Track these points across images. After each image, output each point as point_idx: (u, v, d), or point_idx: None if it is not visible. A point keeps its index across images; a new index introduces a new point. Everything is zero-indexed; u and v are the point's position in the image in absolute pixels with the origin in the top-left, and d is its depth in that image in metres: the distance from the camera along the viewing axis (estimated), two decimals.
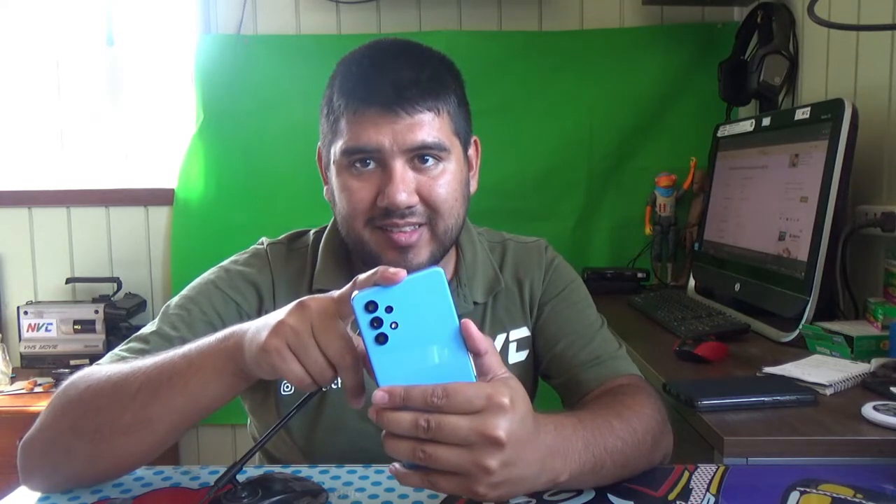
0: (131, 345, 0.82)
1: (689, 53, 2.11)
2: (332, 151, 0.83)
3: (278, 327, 0.60)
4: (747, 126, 1.64)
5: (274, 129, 2.14)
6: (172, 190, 2.16)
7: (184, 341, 0.74)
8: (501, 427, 0.53)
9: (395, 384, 0.55)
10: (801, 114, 1.40)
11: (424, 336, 0.56)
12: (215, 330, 0.70)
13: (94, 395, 0.69)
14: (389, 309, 0.55)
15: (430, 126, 0.79)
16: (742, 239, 1.59)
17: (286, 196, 2.15)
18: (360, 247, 0.84)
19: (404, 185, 0.79)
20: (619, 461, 0.68)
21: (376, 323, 0.55)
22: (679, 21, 2.14)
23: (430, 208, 0.82)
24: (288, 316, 0.60)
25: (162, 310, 0.86)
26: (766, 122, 1.56)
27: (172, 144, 2.21)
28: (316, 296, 0.62)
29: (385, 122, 0.78)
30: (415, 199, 0.80)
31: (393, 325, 0.56)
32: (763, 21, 1.87)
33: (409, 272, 0.81)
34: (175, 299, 0.86)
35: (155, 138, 2.26)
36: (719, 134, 1.79)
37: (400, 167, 0.79)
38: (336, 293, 0.62)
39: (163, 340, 0.81)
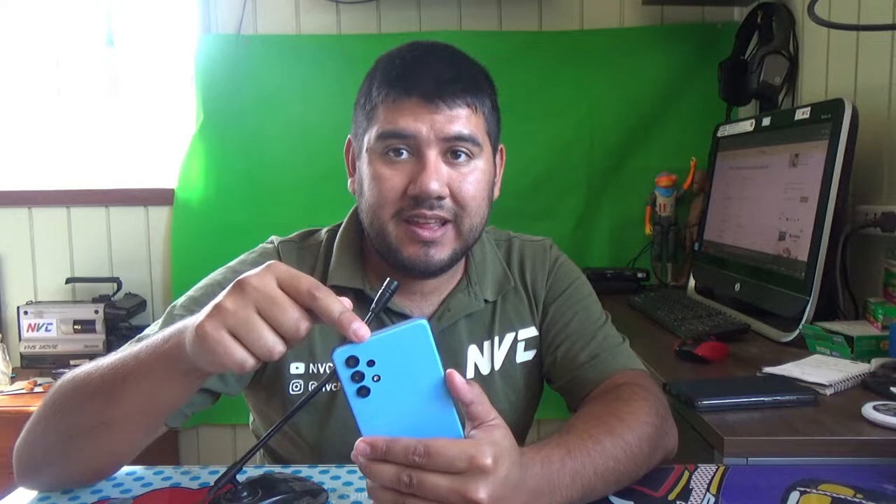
0: (131, 347, 0.82)
1: (689, 53, 2.11)
2: (367, 138, 0.83)
3: (214, 311, 0.56)
4: (747, 126, 1.64)
5: (274, 129, 2.14)
6: (172, 190, 2.16)
7: None
8: (482, 490, 0.53)
9: (379, 434, 0.55)
10: (801, 114, 1.40)
11: (408, 388, 0.55)
12: None
13: (63, 398, 0.70)
14: (371, 363, 0.54)
15: (466, 120, 0.81)
16: (742, 239, 1.59)
17: (286, 196, 2.15)
18: (382, 239, 0.83)
19: (437, 175, 0.79)
20: (613, 479, 0.69)
21: (357, 377, 0.54)
22: (679, 21, 2.14)
23: (458, 204, 0.82)
24: (226, 298, 0.56)
25: (167, 310, 0.85)
26: (766, 122, 1.56)
27: (172, 144, 2.21)
28: (251, 272, 0.57)
29: (424, 112, 0.79)
30: (446, 192, 0.80)
31: (375, 378, 0.54)
32: (763, 21, 1.87)
33: (428, 268, 0.82)
34: (181, 300, 0.85)
35: (155, 138, 2.26)
36: (719, 134, 1.79)
37: (434, 157, 0.79)
38: (273, 263, 0.58)
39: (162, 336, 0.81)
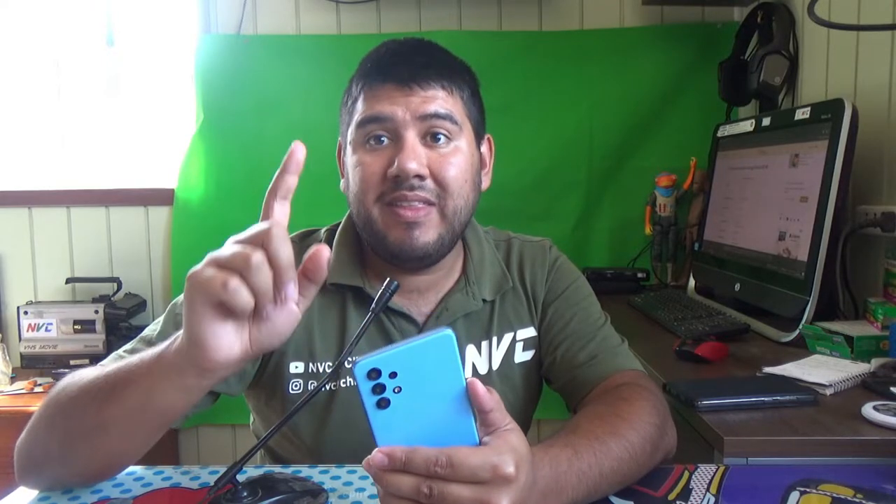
0: (134, 345, 0.82)
1: (689, 53, 2.11)
2: (350, 131, 0.85)
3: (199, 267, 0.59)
4: (747, 126, 1.64)
5: (274, 129, 2.14)
6: (172, 190, 2.16)
7: None
8: (505, 499, 0.52)
9: (396, 444, 0.53)
10: (801, 114, 1.40)
11: (429, 398, 0.53)
12: None
13: (65, 398, 0.70)
14: (393, 374, 0.53)
15: (443, 100, 0.83)
16: (742, 239, 1.59)
17: None
18: (369, 226, 0.84)
19: (415, 154, 0.80)
20: (617, 480, 0.69)
21: (378, 389, 0.53)
22: (679, 21, 2.14)
23: (440, 186, 0.82)
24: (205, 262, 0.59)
25: (168, 308, 0.86)
26: (766, 122, 1.56)
27: (172, 144, 2.21)
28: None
29: (399, 96, 0.81)
30: (425, 171, 0.81)
31: (396, 390, 0.53)
32: (763, 21, 1.87)
33: (413, 251, 0.82)
34: (182, 298, 0.86)
35: (155, 138, 2.26)
36: (719, 134, 1.79)
37: (412, 137, 0.81)
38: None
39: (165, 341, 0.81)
